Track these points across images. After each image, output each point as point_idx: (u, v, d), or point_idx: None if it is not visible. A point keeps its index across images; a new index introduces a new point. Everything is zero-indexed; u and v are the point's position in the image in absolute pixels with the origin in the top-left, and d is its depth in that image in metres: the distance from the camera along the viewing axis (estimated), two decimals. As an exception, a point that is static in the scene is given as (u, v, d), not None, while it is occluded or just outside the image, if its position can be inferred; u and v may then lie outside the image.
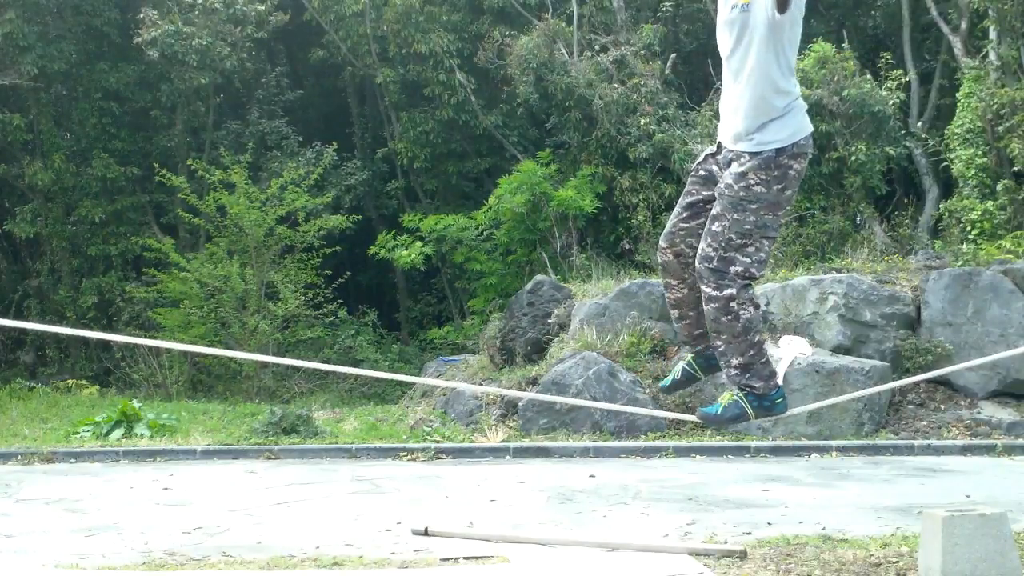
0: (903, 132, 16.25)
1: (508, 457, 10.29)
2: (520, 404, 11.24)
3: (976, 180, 14.55)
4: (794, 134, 3.96)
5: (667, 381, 4.54)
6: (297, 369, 16.97)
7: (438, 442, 10.69)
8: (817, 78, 15.01)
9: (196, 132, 20.03)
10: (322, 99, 23.11)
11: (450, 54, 18.89)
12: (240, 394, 15.68)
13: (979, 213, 14.11)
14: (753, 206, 3.95)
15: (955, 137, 14.96)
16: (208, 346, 16.34)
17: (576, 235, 17.29)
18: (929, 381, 11.58)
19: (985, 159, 14.60)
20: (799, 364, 10.91)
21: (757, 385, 4.10)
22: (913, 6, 17.37)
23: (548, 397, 10.09)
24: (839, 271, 12.36)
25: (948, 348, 11.43)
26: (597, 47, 18.39)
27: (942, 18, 16.62)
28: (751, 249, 3.96)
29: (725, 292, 3.94)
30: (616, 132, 17.18)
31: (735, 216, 3.95)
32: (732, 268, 3.95)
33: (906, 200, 16.37)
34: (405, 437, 10.98)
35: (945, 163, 15.47)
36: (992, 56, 14.99)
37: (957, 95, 15.36)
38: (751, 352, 4.04)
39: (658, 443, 10.43)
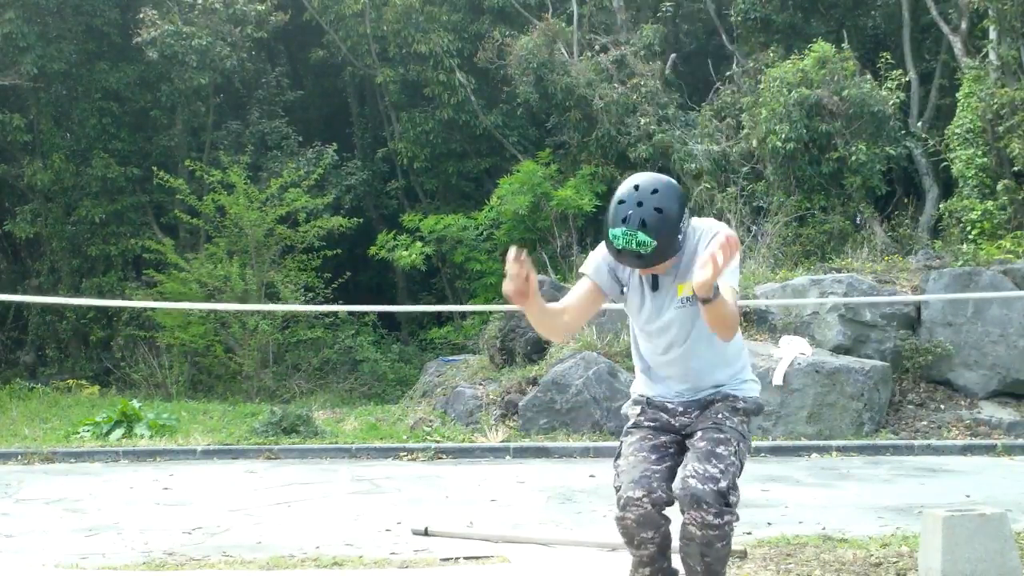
0: (903, 132, 16.24)
1: (508, 457, 10.29)
2: (520, 404, 11.24)
3: (976, 180, 14.53)
4: (757, 387, 3.99)
5: None
6: (297, 369, 16.99)
7: (438, 442, 10.69)
8: (817, 78, 15.01)
9: (196, 132, 20.03)
10: (322, 99, 23.13)
11: (450, 54, 18.90)
12: (240, 394, 15.68)
13: (979, 213, 14.10)
14: (744, 444, 3.84)
15: (955, 137, 14.95)
16: (207, 346, 16.38)
17: (576, 235, 17.30)
18: (929, 380, 11.60)
19: (985, 159, 14.59)
20: (799, 364, 10.91)
21: None
22: (913, 6, 17.37)
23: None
24: (839, 271, 12.36)
25: (948, 348, 11.44)
26: (597, 47, 18.40)
27: (942, 18, 16.61)
28: (738, 481, 3.81)
29: (726, 518, 3.71)
30: (616, 132, 17.19)
31: (741, 446, 3.81)
32: (731, 497, 3.75)
33: (906, 200, 16.35)
34: (405, 437, 10.98)
35: (945, 163, 15.46)
36: (992, 56, 14.98)
37: (957, 95, 15.35)
38: (722, 571, 3.87)
39: (658, 443, 10.40)
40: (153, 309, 16.05)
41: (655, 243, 3.55)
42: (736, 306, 3.69)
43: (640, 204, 3.56)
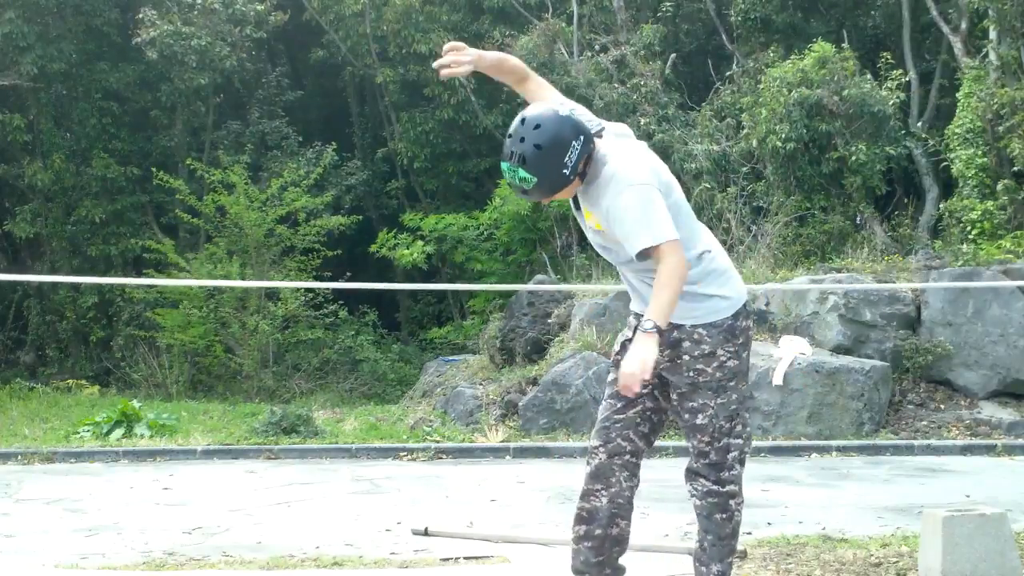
0: (903, 132, 16.24)
1: (508, 457, 10.29)
2: (520, 404, 11.24)
3: (976, 180, 14.53)
4: (738, 294, 3.69)
5: None
6: (297, 368, 16.99)
7: (438, 442, 10.69)
8: (817, 78, 15.01)
9: (196, 132, 20.03)
10: (322, 99, 23.12)
11: (450, 54, 18.89)
12: (240, 394, 15.68)
13: (979, 213, 14.10)
14: (732, 383, 3.66)
15: (955, 137, 14.95)
16: (207, 346, 16.38)
17: (576, 235, 17.29)
18: (929, 380, 11.59)
19: (985, 159, 14.59)
20: (799, 364, 10.91)
21: None
22: (913, 6, 17.36)
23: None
24: (839, 271, 12.36)
25: (948, 348, 11.43)
26: (597, 47, 18.39)
27: (942, 18, 16.60)
28: (738, 428, 3.68)
29: (728, 488, 3.68)
30: (616, 132, 17.16)
31: (719, 401, 3.64)
32: (729, 456, 3.68)
33: (906, 200, 16.35)
34: (405, 437, 10.98)
35: (945, 163, 15.46)
36: (992, 56, 14.98)
37: (957, 95, 15.35)
38: (729, 560, 3.79)
39: (658, 443, 10.39)
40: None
41: (535, 179, 3.47)
42: (671, 260, 3.36)
43: (523, 140, 3.47)
